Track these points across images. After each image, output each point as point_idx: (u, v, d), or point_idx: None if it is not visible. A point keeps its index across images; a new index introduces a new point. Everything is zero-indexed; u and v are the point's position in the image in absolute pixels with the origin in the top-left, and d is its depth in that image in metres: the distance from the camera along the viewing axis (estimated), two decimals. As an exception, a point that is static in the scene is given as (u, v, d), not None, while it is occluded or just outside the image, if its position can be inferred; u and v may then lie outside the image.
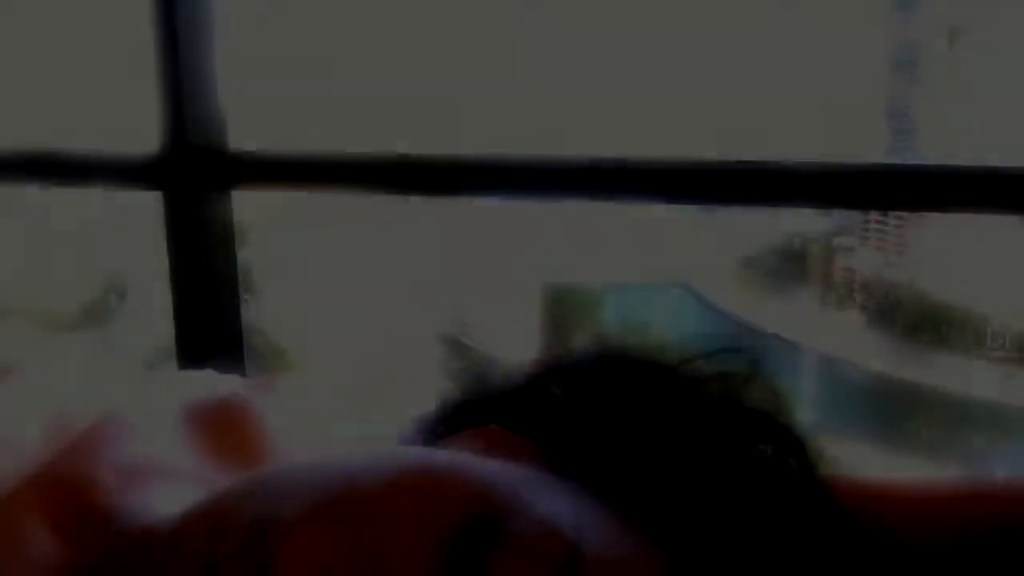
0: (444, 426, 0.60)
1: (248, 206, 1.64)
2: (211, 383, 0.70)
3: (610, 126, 1.89)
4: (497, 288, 2.46)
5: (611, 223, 2.34)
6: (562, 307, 2.49)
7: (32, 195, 2.33)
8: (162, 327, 1.55)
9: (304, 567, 0.44)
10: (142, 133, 1.47)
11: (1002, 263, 2.16)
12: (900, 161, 1.10)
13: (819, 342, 2.51)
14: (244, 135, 1.49)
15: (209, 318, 1.42)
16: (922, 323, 2.43)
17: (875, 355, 2.49)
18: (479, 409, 0.60)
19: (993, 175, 1.07)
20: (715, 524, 0.51)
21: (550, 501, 0.48)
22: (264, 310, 2.46)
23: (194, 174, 1.41)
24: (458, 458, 0.51)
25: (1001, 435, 2.35)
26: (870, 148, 2.05)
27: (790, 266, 2.58)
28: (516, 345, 2.39)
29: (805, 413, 0.58)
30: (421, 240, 2.29)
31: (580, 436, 0.56)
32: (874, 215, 2.37)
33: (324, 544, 0.45)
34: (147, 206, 1.53)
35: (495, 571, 0.44)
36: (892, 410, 2.55)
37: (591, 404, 0.57)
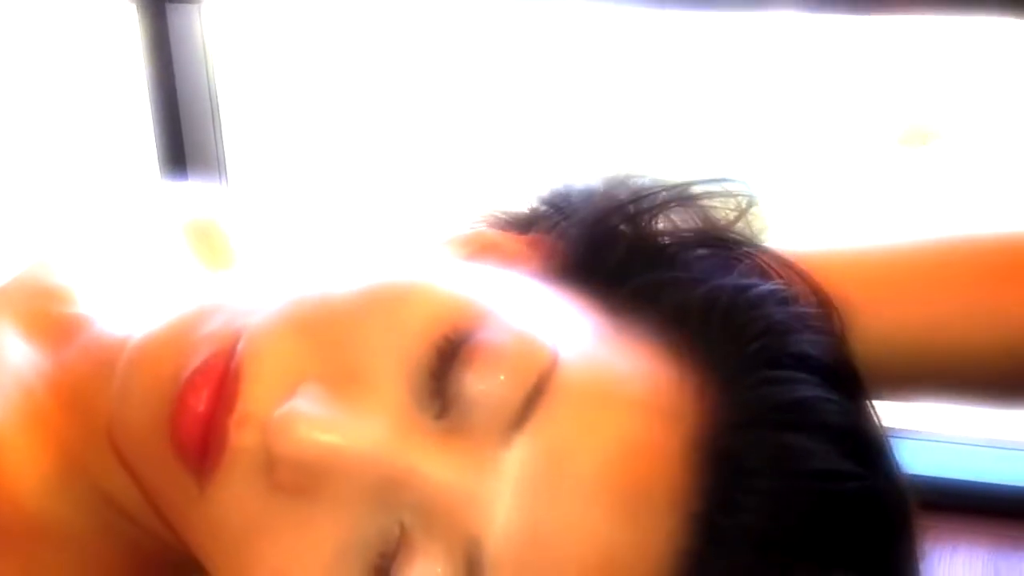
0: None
1: (229, 24, 1.60)
2: (191, 195, 0.70)
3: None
4: (492, 105, 2.44)
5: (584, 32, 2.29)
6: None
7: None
8: (145, 142, 1.53)
9: (273, 367, 0.45)
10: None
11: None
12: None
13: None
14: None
15: (187, 131, 1.41)
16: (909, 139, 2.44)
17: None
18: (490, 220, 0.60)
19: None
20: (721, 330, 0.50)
21: (531, 311, 0.48)
22: (247, 127, 2.43)
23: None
24: (435, 269, 0.50)
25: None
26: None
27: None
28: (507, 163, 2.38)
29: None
30: (417, 52, 2.25)
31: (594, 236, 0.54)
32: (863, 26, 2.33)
33: (296, 347, 0.46)
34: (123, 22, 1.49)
35: (467, 381, 0.44)
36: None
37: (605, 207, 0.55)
